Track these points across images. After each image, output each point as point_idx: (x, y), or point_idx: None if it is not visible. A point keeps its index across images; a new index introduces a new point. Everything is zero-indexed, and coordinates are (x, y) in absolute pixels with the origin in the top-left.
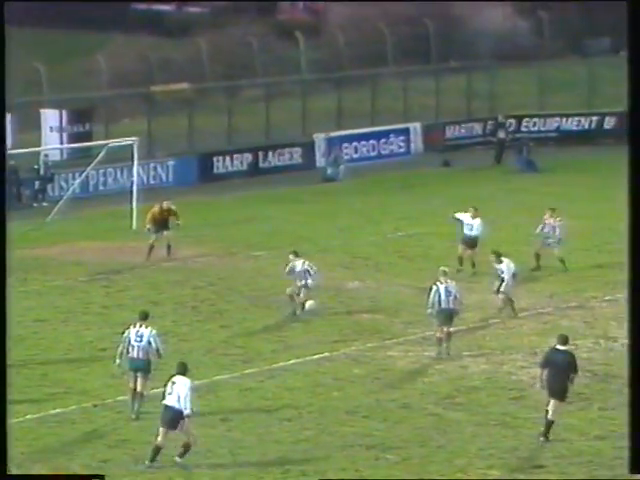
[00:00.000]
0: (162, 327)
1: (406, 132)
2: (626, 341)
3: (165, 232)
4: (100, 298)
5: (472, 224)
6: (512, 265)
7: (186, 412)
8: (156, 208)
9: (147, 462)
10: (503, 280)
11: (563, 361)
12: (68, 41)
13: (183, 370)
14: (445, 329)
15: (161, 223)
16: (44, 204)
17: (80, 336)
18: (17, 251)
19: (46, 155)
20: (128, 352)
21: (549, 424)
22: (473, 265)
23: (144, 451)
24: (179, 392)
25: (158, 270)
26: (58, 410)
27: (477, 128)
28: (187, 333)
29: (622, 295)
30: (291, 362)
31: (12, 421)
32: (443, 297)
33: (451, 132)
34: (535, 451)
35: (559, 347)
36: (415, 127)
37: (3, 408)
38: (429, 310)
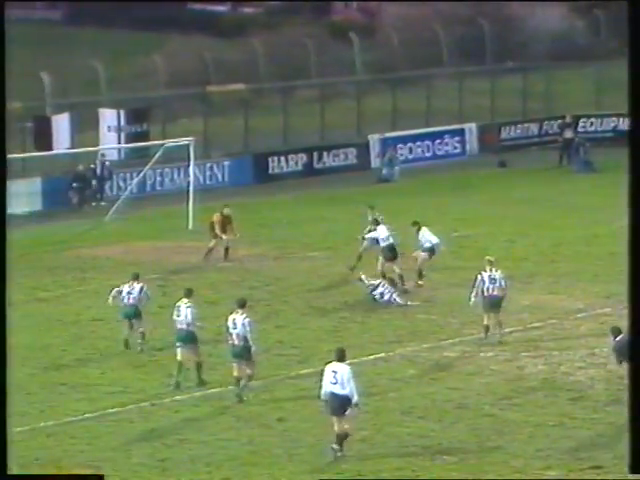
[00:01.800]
0: (219, 327)
1: (461, 133)
2: None
3: (224, 236)
4: (157, 298)
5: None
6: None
7: (355, 400)
8: (218, 215)
9: (335, 446)
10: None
11: None
12: (126, 41)
13: (342, 356)
14: (492, 316)
15: (222, 228)
16: (102, 203)
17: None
18: (75, 250)
19: (103, 155)
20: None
21: None
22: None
23: (202, 451)
24: (343, 379)
25: (214, 270)
26: (116, 409)
27: (533, 128)
28: None
29: None
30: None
31: (70, 419)
32: (487, 285)
33: (507, 133)
34: (594, 452)
35: None
36: (470, 128)
37: (3, 408)
38: (472, 299)
